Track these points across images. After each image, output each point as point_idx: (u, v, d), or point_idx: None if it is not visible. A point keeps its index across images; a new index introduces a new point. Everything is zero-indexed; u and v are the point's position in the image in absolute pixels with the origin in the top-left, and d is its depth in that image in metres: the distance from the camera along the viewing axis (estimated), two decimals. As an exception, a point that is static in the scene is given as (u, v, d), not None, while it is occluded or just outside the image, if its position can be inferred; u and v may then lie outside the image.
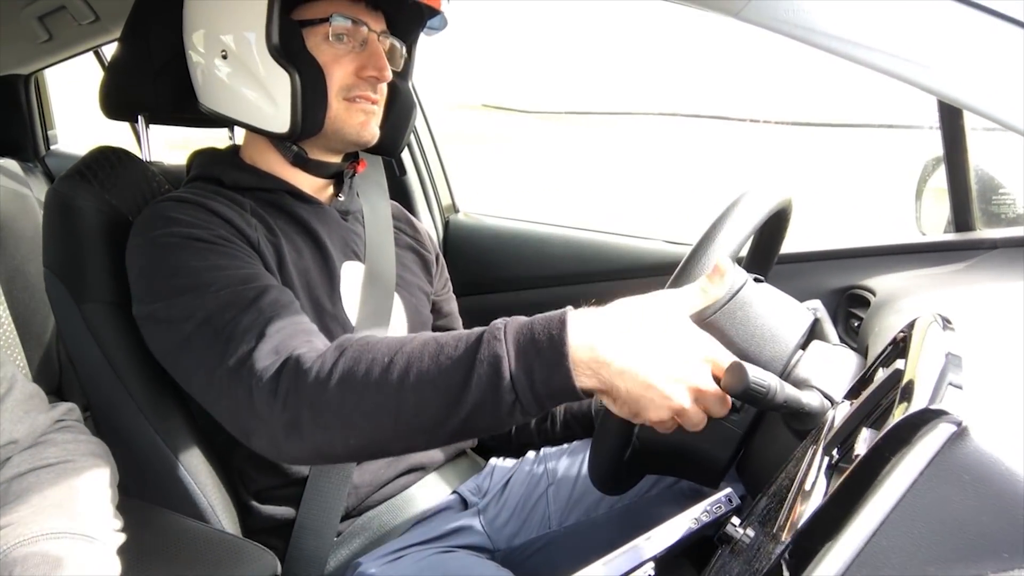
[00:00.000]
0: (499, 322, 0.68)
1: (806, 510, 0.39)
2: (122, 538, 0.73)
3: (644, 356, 0.62)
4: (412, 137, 1.77)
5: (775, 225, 0.95)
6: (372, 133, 1.04)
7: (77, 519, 0.69)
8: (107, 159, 1.08)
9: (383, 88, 1.04)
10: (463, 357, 0.65)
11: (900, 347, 0.61)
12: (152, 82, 1.09)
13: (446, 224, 1.82)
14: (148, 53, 1.08)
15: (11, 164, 1.99)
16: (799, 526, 0.36)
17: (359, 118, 1.01)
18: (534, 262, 1.66)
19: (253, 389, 0.74)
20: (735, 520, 0.59)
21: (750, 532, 0.58)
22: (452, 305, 1.30)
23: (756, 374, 0.71)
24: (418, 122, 1.77)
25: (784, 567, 0.34)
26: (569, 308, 0.67)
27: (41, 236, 1.82)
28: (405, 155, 1.76)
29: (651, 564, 0.54)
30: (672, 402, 0.63)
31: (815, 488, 0.42)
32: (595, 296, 1.69)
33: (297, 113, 0.96)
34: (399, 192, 1.73)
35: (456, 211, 1.86)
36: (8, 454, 0.74)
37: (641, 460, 0.87)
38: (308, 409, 0.70)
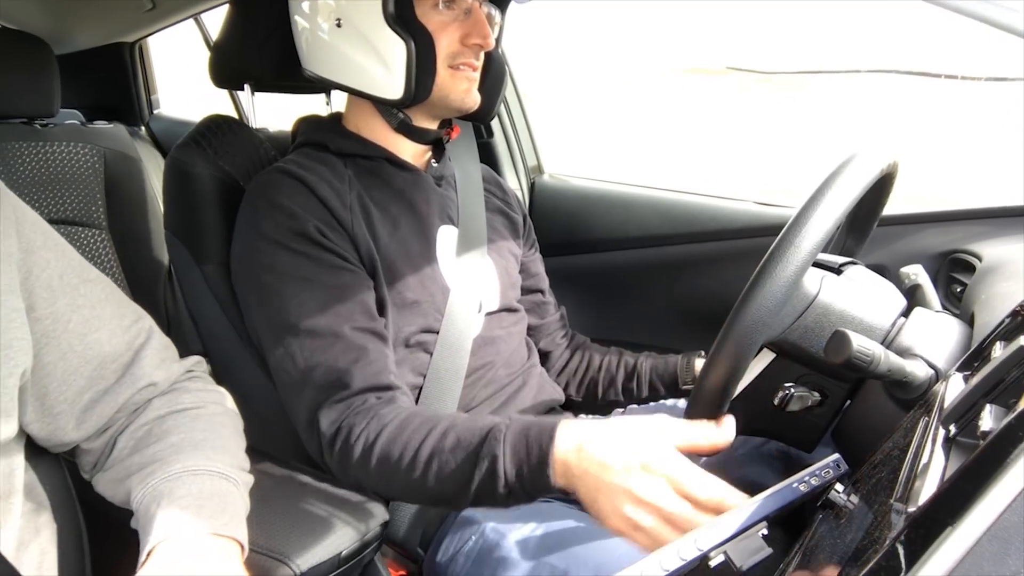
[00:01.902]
0: (503, 424, 0.83)
1: (926, 484, 0.40)
2: (251, 480, 0.78)
3: (603, 467, 0.74)
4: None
5: (878, 188, 0.93)
6: (475, 100, 1.07)
7: (213, 459, 0.74)
8: (219, 127, 1.13)
9: (482, 56, 1.06)
10: (471, 455, 0.83)
11: (1022, 320, 0.60)
12: (258, 51, 1.14)
13: (532, 186, 1.83)
14: (255, 22, 1.13)
15: (119, 129, 2.09)
16: (923, 499, 0.37)
17: (463, 85, 1.04)
18: (620, 224, 1.65)
19: (317, 440, 0.92)
20: (838, 487, 0.60)
21: (854, 499, 0.58)
22: (539, 266, 1.33)
23: (860, 342, 0.71)
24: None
25: (904, 540, 0.35)
26: (562, 421, 0.80)
27: (148, 197, 1.97)
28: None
29: (764, 524, 0.55)
30: (620, 512, 0.72)
31: (933, 462, 0.43)
32: (683, 259, 1.70)
33: (411, 80, 0.99)
34: (486, 155, 1.75)
35: (542, 172, 1.87)
36: (149, 395, 0.80)
37: (742, 406, 0.88)
38: (354, 474, 0.90)
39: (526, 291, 1.27)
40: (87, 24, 2.19)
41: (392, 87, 1.01)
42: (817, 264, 0.85)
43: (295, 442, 0.96)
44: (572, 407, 1.29)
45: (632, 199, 1.69)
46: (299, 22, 1.07)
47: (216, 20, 2.08)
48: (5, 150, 1.80)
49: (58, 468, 0.81)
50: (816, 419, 0.90)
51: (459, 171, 1.20)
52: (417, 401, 1.03)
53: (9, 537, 0.68)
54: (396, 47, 0.99)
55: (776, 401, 0.86)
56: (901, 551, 0.34)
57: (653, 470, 0.72)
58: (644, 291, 1.65)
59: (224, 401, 0.85)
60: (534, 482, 0.79)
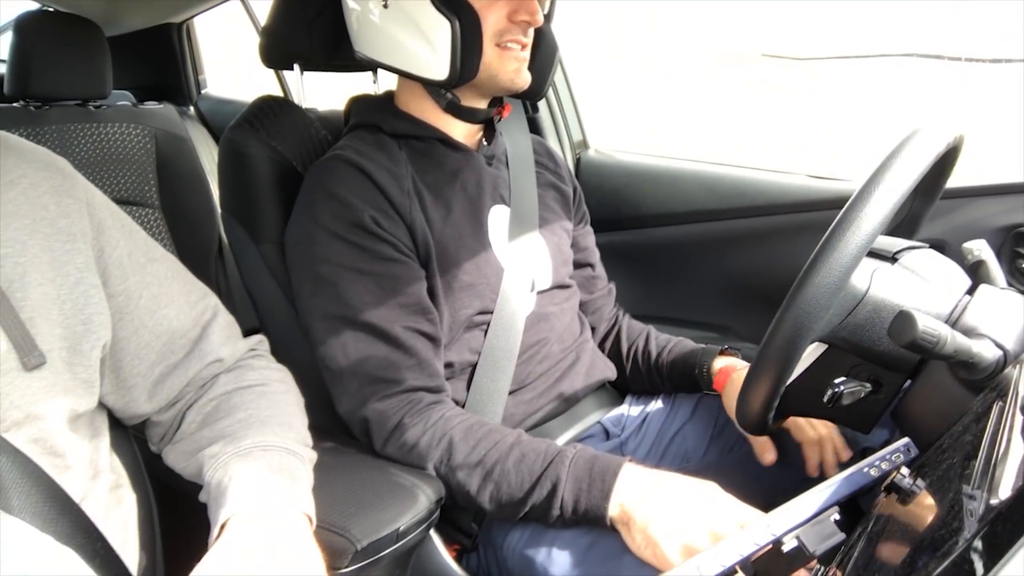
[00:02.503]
0: (570, 450, 0.91)
1: (1006, 473, 0.39)
2: (315, 456, 0.80)
3: (658, 530, 0.82)
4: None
5: (942, 163, 0.90)
6: (524, 80, 1.06)
7: (281, 435, 0.76)
8: (270, 108, 1.14)
9: (532, 32, 1.04)
10: (533, 475, 0.89)
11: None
12: (307, 30, 1.14)
13: (577, 161, 1.82)
14: (304, 3, 1.13)
15: (169, 109, 2.13)
16: (1005, 490, 0.36)
17: (512, 65, 1.03)
18: (668, 199, 1.63)
19: (366, 429, 0.96)
20: (904, 470, 0.59)
21: (920, 483, 0.57)
22: (589, 240, 1.32)
23: (926, 323, 0.69)
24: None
25: (987, 533, 0.35)
26: (626, 463, 0.88)
27: (198, 176, 2.00)
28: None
29: (836, 509, 0.55)
30: (667, 562, 0.80)
31: (1012, 450, 0.42)
32: (732, 234, 1.67)
33: (456, 60, 0.99)
34: (531, 129, 1.72)
35: (587, 148, 1.85)
36: (216, 371, 0.83)
37: (791, 402, 0.87)
38: (413, 464, 0.95)
39: (576, 265, 1.27)
40: (136, 6, 2.22)
41: (438, 68, 1.01)
42: (870, 252, 0.82)
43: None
44: (619, 386, 1.29)
45: (679, 174, 1.66)
46: (349, 3, 1.07)
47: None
48: (62, 131, 1.85)
49: (129, 442, 0.84)
50: (872, 405, 0.88)
51: (511, 148, 1.20)
52: (471, 378, 1.05)
53: (97, 506, 0.71)
54: (441, 27, 0.98)
55: (826, 399, 0.83)
56: (981, 544, 0.34)
57: (706, 529, 0.80)
58: (692, 267, 1.63)
59: (286, 379, 0.87)
60: (587, 513, 0.87)
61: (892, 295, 0.78)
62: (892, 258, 0.82)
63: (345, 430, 1.00)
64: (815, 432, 1.06)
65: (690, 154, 1.81)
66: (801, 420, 1.06)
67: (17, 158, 0.71)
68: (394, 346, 0.96)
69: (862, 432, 0.93)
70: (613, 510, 0.86)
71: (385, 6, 1.02)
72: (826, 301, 0.69)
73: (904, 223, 1.01)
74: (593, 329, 1.29)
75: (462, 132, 1.12)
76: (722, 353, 1.19)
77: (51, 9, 2.16)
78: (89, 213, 0.73)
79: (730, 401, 1.11)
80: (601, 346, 1.30)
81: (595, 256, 1.32)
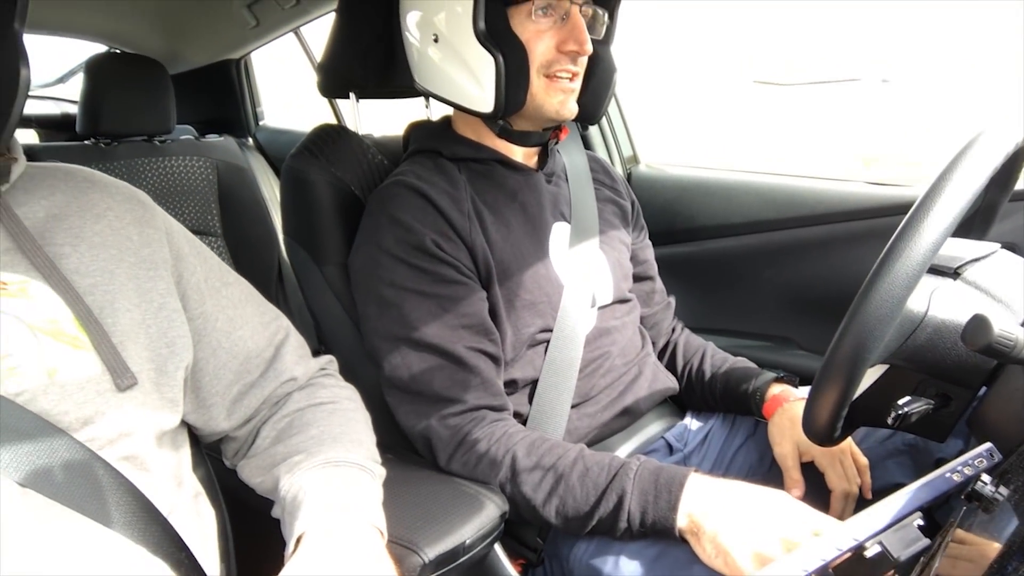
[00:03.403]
0: (634, 462, 0.91)
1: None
2: (384, 472, 0.82)
3: (729, 540, 0.81)
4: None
5: (1010, 164, 0.87)
6: (571, 111, 1.06)
7: (353, 451, 0.78)
8: (329, 135, 1.18)
9: (583, 60, 1.05)
10: (599, 488, 0.90)
11: None
12: (363, 59, 1.17)
13: (628, 176, 1.82)
14: (359, 31, 1.16)
15: (229, 141, 2.21)
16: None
17: (558, 97, 1.04)
18: (723, 211, 1.62)
19: (429, 447, 0.98)
20: (985, 477, 0.57)
21: (1003, 491, 0.56)
22: (648, 252, 1.32)
23: (1003, 327, 0.67)
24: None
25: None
26: (692, 473, 0.88)
27: (257, 204, 2.07)
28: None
29: (919, 514, 0.54)
30: (739, 571, 0.80)
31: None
32: (790, 244, 1.63)
33: (501, 94, 1.00)
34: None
35: (638, 162, 1.85)
36: (289, 390, 0.85)
37: (861, 411, 0.85)
38: (479, 479, 0.95)
39: (636, 279, 1.26)
40: (198, 44, 2.32)
41: (484, 101, 1.02)
42: (930, 268, 0.79)
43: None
44: (679, 401, 1.28)
45: (733, 185, 1.65)
46: (407, 36, 1.10)
47: (311, 32, 2.17)
48: (131, 166, 1.94)
49: (203, 458, 0.87)
50: (944, 418, 0.85)
51: (568, 164, 1.21)
52: (533, 394, 1.05)
53: (180, 519, 0.73)
54: (485, 62, 0.99)
55: (891, 421, 0.80)
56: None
57: (777, 536, 0.79)
58: (750, 278, 1.61)
59: (355, 397, 0.90)
60: (655, 525, 0.87)
61: (954, 315, 0.75)
62: (954, 273, 0.79)
63: (409, 447, 1.02)
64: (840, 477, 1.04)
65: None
66: (826, 462, 1.04)
67: (102, 193, 0.75)
68: (457, 365, 0.97)
69: (937, 442, 0.90)
70: (681, 521, 0.85)
71: (436, 40, 1.04)
72: (881, 331, 0.67)
73: (978, 216, 0.97)
74: (652, 343, 1.29)
75: (520, 152, 1.13)
76: (777, 380, 1.16)
77: (119, 51, 2.27)
78: (168, 241, 0.77)
79: (777, 431, 1.10)
80: (658, 360, 1.29)
81: (654, 269, 1.32)
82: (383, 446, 0.86)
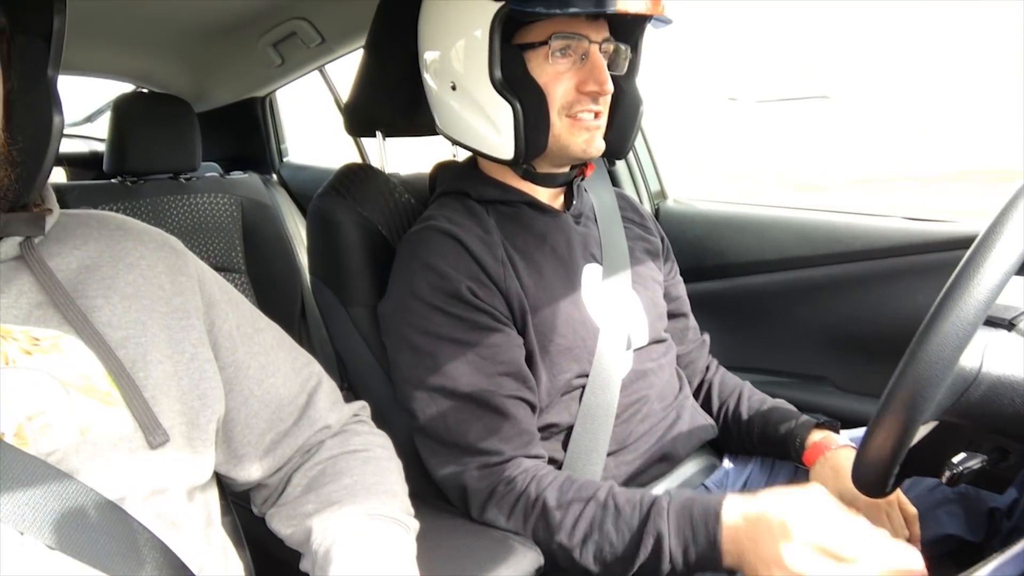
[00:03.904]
0: (664, 499, 0.87)
1: None
2: (418, 525, 0.79)
3: (778, 536, 0.77)
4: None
5: None
6: (598, 148, 1.04)
7: (387, 504, 0.76)
8: (355, 175, 1.17)
9: (606, 98, 1.03)
10: (635, 532, 0.86)
11: None
12: (390, 97, 1.16)
13: (656, 212, 1.79)
14: (386, 70, 1.16)
15: (254, 178, 2.22)
16: None
17: (583, 136, 1.02)
18: (756, 247, 1.58)
19: (464, 497, 0.95)
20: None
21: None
22: (680, 288, 1.28)
23: None
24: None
25: None
26: (725, 502, 0.83)
27: (281, 241, 2.06)
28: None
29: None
30: None
31: None
32: (825, 281, 1.59)
33: (520, 140, 0.99)
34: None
35: (666, 198, 1.83)
36: (323, 438, 0.83)
37: (912, 462, 0.81)
38: (511, 529, 0.92)
39: (670, 316, 1.23)
40: (224, 83, 2.34)
41: (504, 148, 1.01)
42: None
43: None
44: (715, 446, 1.23)
45: (765, 221, 1.61)
46: (426, 82, 1.10)
47: (336, 71, 2.19)
48: (156, 204, 1.94)
49: (228, 507, 0.85)
50: (1002, 471, 0.80)
51: (596, 203, 1.19)
52: (568, 440, 1.02)
53: (212, 569, 0.71)
54: (502, 109, 0.98)
55: (945, 480, 0.76)
56: None
57: (829, 553, 0.75)
58: (784, 316, 1.57)
59: (387, 445, 0.87)
60: (699, 561, 0.83)
61: (1011, 370, 0.70)
62: (1009, 324, 0.74)
63: (440, 496, 0.99)
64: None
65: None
66: (871, 514, 0.99)
67: (135, 241, 0.74)
68: (495, 414, 0.95)
69: (995, 492, 0.86)
70: (727, 558, 0.82)
71: (453, 88, 1.03)
72: (931, 393, 0.64)
73: None
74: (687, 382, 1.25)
75: (547, 194, 1.11)
76: (818, 426, 1.12)
77: (145, 90, 2.30)
78: (200, 289, 0.75)
79: (819, 481, 1.03)
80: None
81: (687, 306, 1.29)
82: (414, 495, 0.84)
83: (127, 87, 2.40)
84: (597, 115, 1.02)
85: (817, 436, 1.10)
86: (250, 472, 0.79)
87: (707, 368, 1.29)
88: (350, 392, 1.12)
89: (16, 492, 0.58)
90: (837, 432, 1.12)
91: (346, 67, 2.03)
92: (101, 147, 2.60)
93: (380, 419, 0.93)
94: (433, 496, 0.99)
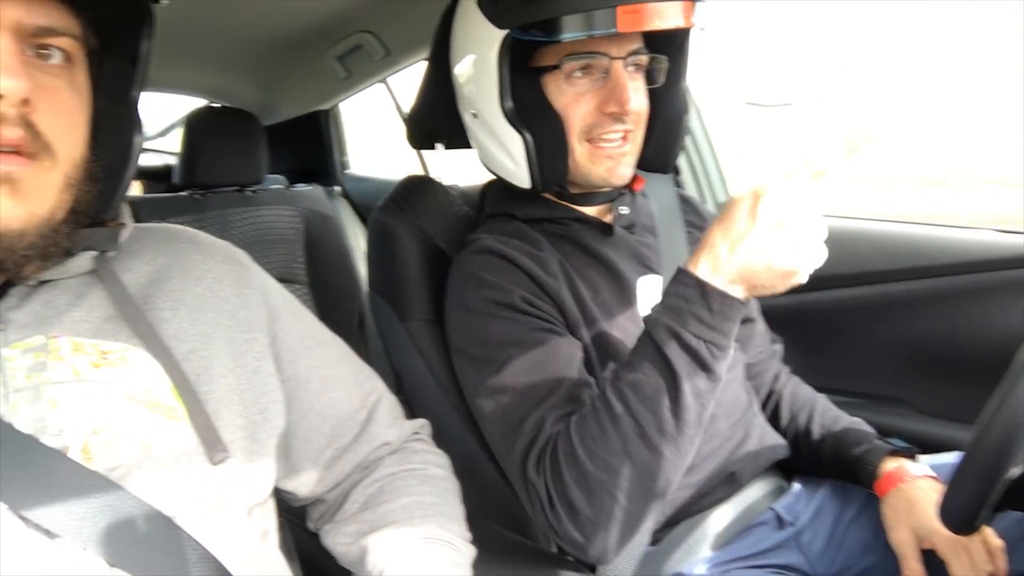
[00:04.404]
0: (651, 314, 0.83)
1: None
2: (474, 551, 0.77)
3: (758, 261, 0.78)
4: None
5: None
6: (621, 176, 1.01)
7: (446, 527, 0.75)
8: (415, 187, 1.16)
9: (634, 117, 0.98)
10: (652, 361, 0.81)
11: None
12: (448, 111, 1.15)
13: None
14: (447, 82, 1.15)
15: (317, 190, 2.26)
16: None
17: (605, 164, 0.99)
18: (830, 259, 1.50)
19: (527, 489, 0.89)
20: None
21: None
22: None
23: None
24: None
25: None
26: (684, 268, 0.82)
27: (342, 252, 2.08)
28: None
29: None
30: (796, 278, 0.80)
31: None
32: (906, 297, 1.50)
33: (535, 170, 0.97)
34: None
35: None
36: (382, 454, 0.82)
37: (1009, 497, 0.74)
38: (572, 499, 0.84)
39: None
40: (291, 96, 2.39)
41: (521, 177, 0.99)
42: None
43: (502, 504, 0.94)
44: (786, 471, 1.17)
45: (842, 232, 1.53)
46: (460, 108, 1.09)
47: (398, 82, 2.21)
48: (223, 216, 1.98)
49: (282, 523, 0.84)
50: None
51: (657, 208, 1.14)
52: None
53: None
54: (515, 140, 0.96)
55: None
56: None
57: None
58: (859, 334, 1.49)
59: (446, 464, 0.86)
60: (724, 323, 0.80)
61: None
62: None
63: (495, 517, 0.97)
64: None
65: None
66: (949, 550, 0.91)
67: (204, 254, 0.75)
68: (558, 400, 0.90)
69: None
70: (742, 295, 0.80)
71: (475, 116, 1.02)
72: None
73: None
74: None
75: (594, 208, 1.08)
76: (893, 453, 1.04)
77: (217, 105, 2.36)
78: (265, 302, 0.76)
79: (892, 514, 0.98)
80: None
81: (755, 310, 1.22)
82: (471, 517, 0.82)
83: (199, 102, 2.47)
84: (625, 136, 0.99)
85: (891, 465, 1.02)
86: (308, 487, 0.79)
87: (776, 377, 1.22)
88: (407, 408, 1.11)
89: (75, 506, 0.58)
90: (915, 459, 1.04)
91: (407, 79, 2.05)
92: (173, 160, 2.68)
93: (436, 437, 0.92)
94: (491, 519, 0.97)
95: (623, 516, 0.83)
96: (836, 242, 1.49)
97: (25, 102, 0.57)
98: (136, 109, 0.70)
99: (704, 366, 0.80)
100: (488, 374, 0.94)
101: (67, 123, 0.62)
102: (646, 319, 0.84)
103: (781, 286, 0.80)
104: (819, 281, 1.51)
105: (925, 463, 1.04)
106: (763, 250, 0.78)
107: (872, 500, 1.06)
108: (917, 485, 0.98)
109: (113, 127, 0.68)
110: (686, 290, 0.80)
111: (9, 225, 0.59)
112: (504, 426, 0.92)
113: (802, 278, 0.80)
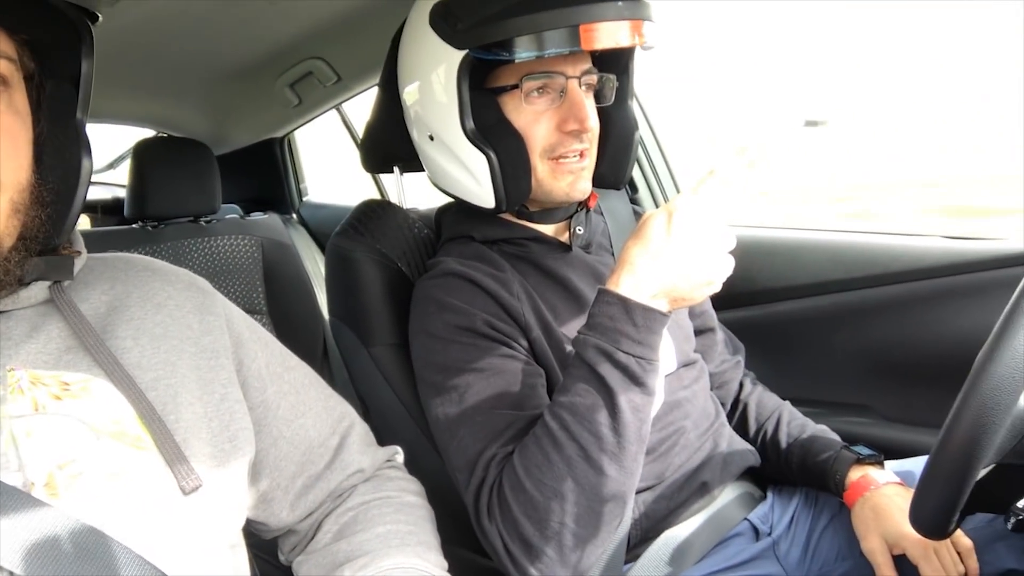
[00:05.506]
0: (576, 340, 0.84)
1: None
2: None
3: (677, 274, 0.81)
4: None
5: None
6: (582, 191, 1.02)
7: (421, 555, 0.73)
8: (373, 211, 1.15)
9: (590, 134, 1.00)
10: (587, 381, 0.82)
11: None
12: (403, 135, 1.14)
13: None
14: (399, 108, 1.14)
15: (274, 218, 2.22)
16: None
17: (566, 180, 1.00)
18: (788, 271, 1.53)
19: (491, 546, 0.87)
20: None
21: None
22: (705, 303, 1.23)
23: None
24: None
25: None
26: (606, 288, 0.83)
27: (301, 280, 2.04)
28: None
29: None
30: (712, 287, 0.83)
31: None
32: (863, 305, 1.52)
33: (500, 190, 0.97)
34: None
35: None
36: (355, 482, 0.81)
37: (977, 500, 0.75)
38: (525, 524, 0.83)
39: (696, 333, 1.18)
40: (242, 125, 2.35)
41: (484, 197, 0.99)
42: None
43: (475, 535, 0.91)
44: (759, 480, 1.17)
45: (798, 244, 1.56)
46: (412, 132, 1.08)
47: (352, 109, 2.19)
48: (177, 247, 1.94)
49: (251, 559, 0.81)
50: None
51: (612, 225, 1.15)
52: None
53: None
54: (479, 161, 0.96)
55: (1010, 526, 0.73)
56: None
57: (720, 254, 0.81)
58: (821, 343, 1.50)
59: (420, 492, 0.85)
60: (648, 336, 0.81)
61: None
62: None
63: (469, 544, 0.94)
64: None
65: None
66: (918, 553, 0.93)
67: (163, 281, 0.73)
68: (518, 431, 0.90)
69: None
70: (665, 308, 0.83)
71: (431, 139, 1.02)
72: (990, 439, 0.61)
73: None
74: (722, 403, 1.19)
75: (551, 228, 1.09)
76: (859, 462, 1.05)
77: (165, 135, 2.32)
78: (229, 328, 0.74)
79: (861, 523, 0.99)
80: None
81: (714, 320, 1.23)
82: (446, 543, 0.81)
83: (147, 132, 2.42)
84: (582, 155, 1.00)
85: (857, 474, 1.04)
86: (280, 517, 0.77)
87: (742, 386, 1.23)
88: (376, 434, 1.09)
89: (38, 548, 0.56)
90: (882, 465, 1.05)
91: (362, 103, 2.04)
92: (123, 193, 2.62)
93: (407, 464, 0.91)
94: (464, 547, 0.95)
95: (574, 542, 0.83)
96: (792, 253, 1.54)
97: None
98: (83, 132, 0.68)
99: (636, 380, 0.81)
100: (448, 405, 0.93)
101: (7, 146, 0.61)
102: (575, 341, 0.85)
103: (700, 296, 0.83)
104: (778, 292, 1.55)
105: (891, 469, 1.05)
106: (681, 263, 0.80)
107: (844, 507, 1.07)
108: (883, 492, 0.99)
109: (58, 150, 0.66)
110: (610, 308, 0.82)
111: None
112: (460, 460, 0.91)
113: (717, 287, 0.83)
